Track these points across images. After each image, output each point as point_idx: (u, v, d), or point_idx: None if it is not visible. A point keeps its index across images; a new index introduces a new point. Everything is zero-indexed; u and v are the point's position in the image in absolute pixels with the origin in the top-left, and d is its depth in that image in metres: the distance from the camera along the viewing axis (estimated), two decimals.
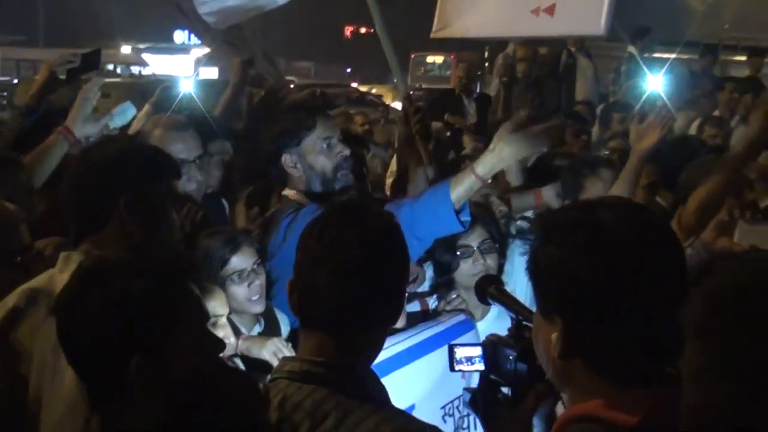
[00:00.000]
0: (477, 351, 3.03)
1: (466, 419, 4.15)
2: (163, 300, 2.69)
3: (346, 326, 2.88)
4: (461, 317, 4.34)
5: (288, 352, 3.96)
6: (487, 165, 4.58)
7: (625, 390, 2.51)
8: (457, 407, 4.08)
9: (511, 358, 2.95)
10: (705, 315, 2.24)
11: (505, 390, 2.99)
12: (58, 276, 3.33)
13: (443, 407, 3.98)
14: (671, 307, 2.44)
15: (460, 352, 3.09)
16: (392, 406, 2.94)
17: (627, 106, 11.07)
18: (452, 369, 3.16)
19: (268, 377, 3.02)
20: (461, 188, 4.55)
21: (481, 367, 3.02)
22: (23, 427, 3.23)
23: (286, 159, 5.09)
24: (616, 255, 2.44)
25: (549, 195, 6.09)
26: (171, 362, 2.61)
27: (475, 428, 4.14)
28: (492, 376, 3.03)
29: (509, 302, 3.37)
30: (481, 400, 3.05)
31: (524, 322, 3.08)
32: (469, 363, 3.08)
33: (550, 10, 6.11)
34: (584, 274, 2.45)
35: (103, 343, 2.64)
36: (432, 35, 6.79)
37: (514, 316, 3.13)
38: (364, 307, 2.87)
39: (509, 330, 3.09)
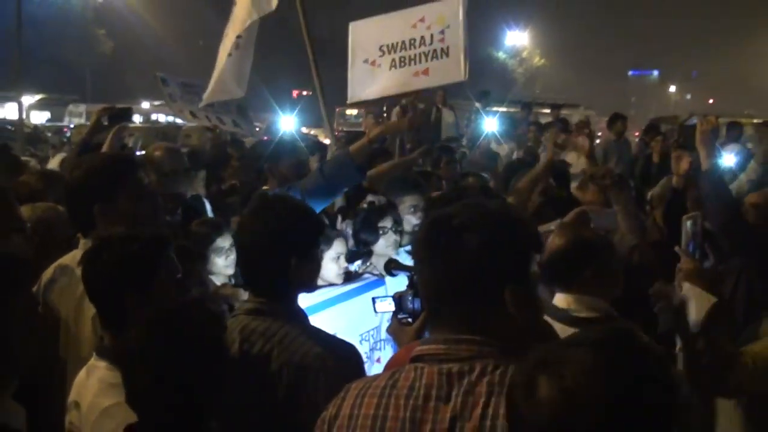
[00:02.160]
0: (390, 301, 3.12)
1: (378, 343, 4.13)
2: (147, 257, 2.82)
3: (278, 284, 2.92)
4: (375, 277, 4.38)
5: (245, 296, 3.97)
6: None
7: None
8: (372, 335, 4.10)
9: (410, 299, 3.05)
10: None
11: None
12: (78, 254, 3.30)
13: (361, 335, 3.99)
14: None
15: (379, 302, 3.21)
16: (321, 331, 2.97)
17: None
18: (375, 312, 3.30)
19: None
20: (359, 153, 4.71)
21: (393, 308, 3.10)
22: (58, 356, 3.28)
23: None
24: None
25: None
26: (153, 299, 2.73)
27: (384, 349, 4.12)
28: (399, 315, 3.09)
29: (406, 269, 3.56)
30: (392, 326, 3.12)
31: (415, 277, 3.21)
32: (383, 304, 3.19)
33: (426, 72, 6.27)
34: None
35: (110, 284, 2.80)
36: (348, 102, 6.83)
37: (409, 275, 3.23)
38: (285, 270, 2.87)
39: (408, 285, 3.15)
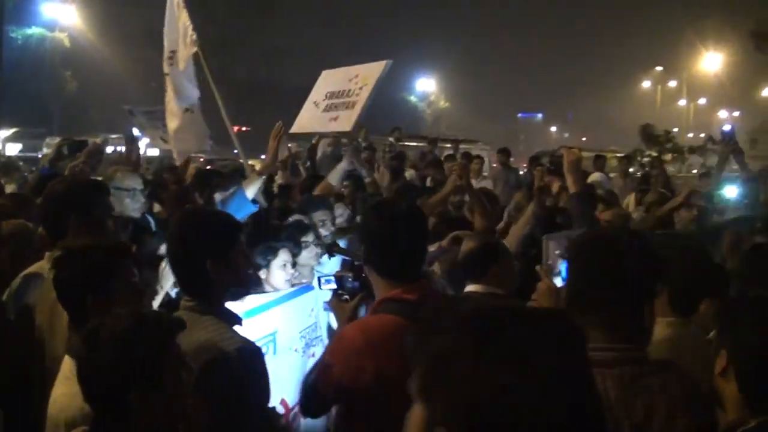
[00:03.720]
0: (332, 280, 3.20)
1: (313, 340, 3.97)
2: (106, 265, 2.72)
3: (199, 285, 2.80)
4: (304, 284, 4.36)
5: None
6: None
7: (404, 284, 2.75)
8: (308, 332, 4.05)
9: (350, 279, 3.13)
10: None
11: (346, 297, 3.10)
12: (45, 264, 3.30)
13: (300, 331, 3.94)
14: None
15: (324, 281, 3.29)
16: (226, 327, 2.75)
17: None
18: (320, 288, 3.39)
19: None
20: (252, 188, 4.99)
21: (334, 286, 3.17)
22: (36, 354, 3.19)
23: None
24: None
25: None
26: (112, 302, 2.60)
27: (318, 345, 3.98)
28: (339, 291, 3.14)
29: (345, 252, 3.93)
30: (332, 301, 3.16)
31: (355, 262, 3.29)
32: (327, 284, 3.25)
33: (336, 119, 6.47)
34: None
35: (73, 289, 2.71)
36: (290, 131, 6.91)
37: (349, 258, 3.40)
38: (202, 271, 2.75)
39: (348, 267, 3.29)
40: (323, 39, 60.22)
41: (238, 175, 6.80)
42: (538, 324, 1.23)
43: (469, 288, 3.71)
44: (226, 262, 2.81)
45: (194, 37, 6.95)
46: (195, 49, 6.96)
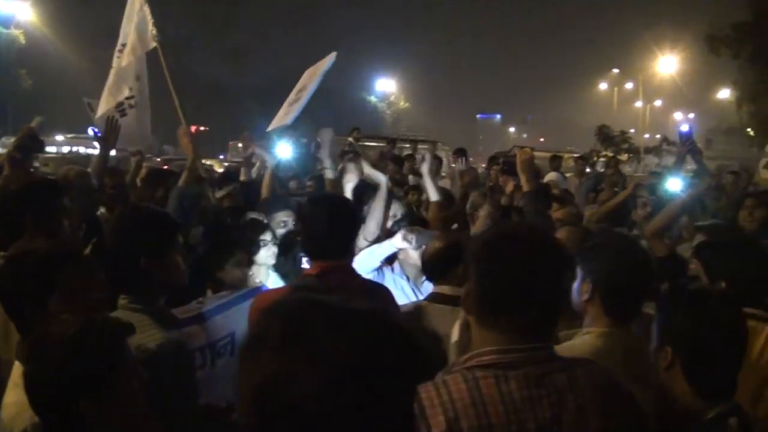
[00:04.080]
0: None
1: None
2: (43, 272, 2.53)
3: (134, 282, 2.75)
4: (258, 284, 4.33)
5: None
6: None
7: (324, 263, 2.99)
8: None
9: None
10: None
11: None
12: None
13: None
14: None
15: None
16: (152, 323, 2.69)
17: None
18: None
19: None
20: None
21: None
22: None
23: None
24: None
25: None
26: (55, 308, 2.47)
27: None
28: None
29: None
30: None
31: None
32: None
33: (287, 114, 6.41)
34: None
35: (10, 296, 2.58)
36: (268, 129, 6.82)
37: None
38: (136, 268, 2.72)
39: None
40: (282, 39, 60.06)
41: None
42: (342, 318, 1.20)
43: (435, 289, 3.56)
44: (160, 260, 2.78)
45: (154, 32, 6.86)
46: (155, 44, 6.88)
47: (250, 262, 4.50)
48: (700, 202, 6.04)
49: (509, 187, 5.65)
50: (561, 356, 1.89)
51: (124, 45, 7.17)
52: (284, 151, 6.50)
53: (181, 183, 4.93)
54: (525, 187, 4.61)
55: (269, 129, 6.89)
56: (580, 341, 2.56)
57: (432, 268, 3.61)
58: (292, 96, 6.79)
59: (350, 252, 3.20)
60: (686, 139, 5.80)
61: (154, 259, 2.76)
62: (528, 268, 1.82)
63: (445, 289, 3.48)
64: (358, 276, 3.24)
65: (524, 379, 1.77)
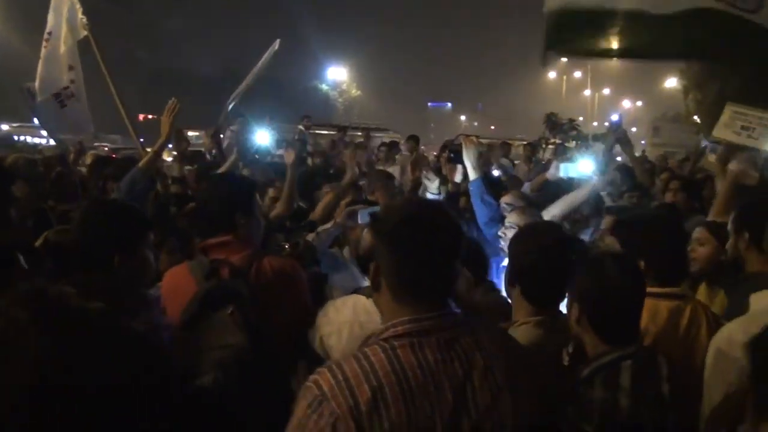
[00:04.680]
0: None
1: None
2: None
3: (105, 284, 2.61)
4: None
5: None
6: None
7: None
8: None
9: None
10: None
11: None
12: None
13: None
14: None
15: None
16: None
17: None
18: None
19: None
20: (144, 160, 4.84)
21: None
22: None
23: None
24: None
25: None
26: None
27: None
28: None
29: None
30: None
31: None
32: None
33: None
34: None
35: None
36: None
37: None
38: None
39: None
40: (231, 26, 59.37)
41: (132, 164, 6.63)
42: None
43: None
44: (133, 257, 2.78)
45: (84, 20, 6.72)
46: (85, 33, 6.74)
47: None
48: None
49: (454, 175, 5.74)
50: (465, 320, 2.04)
51: (50, 33, 7.02)
52: (263, 138, 6.53)
53: (142, 164, 4.86)
54: (471, 175, 4.70)
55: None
56: (520, 331, 2.63)
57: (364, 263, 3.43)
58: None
59: (233, 226, 3.10)
60: (616, 128, 5.94)
61: (128, 255, 2.74)
62: (434, 244, 1.95)
63: None
64: (246, 249, 3.12)
65: (436, 344, 1.91)
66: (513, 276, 2.77)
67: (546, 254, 2.70)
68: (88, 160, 8.08)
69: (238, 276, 2.84)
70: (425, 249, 1.94)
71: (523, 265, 2.74)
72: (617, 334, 2.41)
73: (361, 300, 3.05)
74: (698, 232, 4.04)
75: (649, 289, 2.55)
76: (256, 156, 7.01)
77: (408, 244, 1.94)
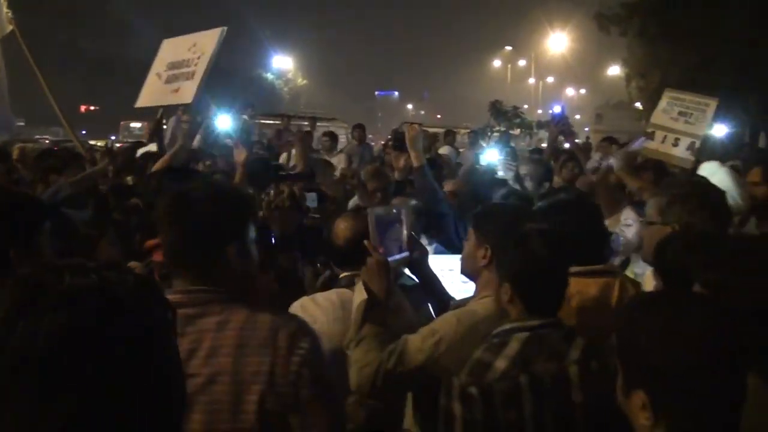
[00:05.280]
0: None
1: None
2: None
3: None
4: None
5: None
6: None
7: None
8: None
9: None
10: None
11: None
12: None
13: None
14: None
15: None
16: None
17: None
18: None
19: None
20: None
21: None
22: None
23: None
24: None
25: None
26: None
27: None
28: None
29: None
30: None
31: None
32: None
33: (177, 91, 6.21)
34: None
35: None
36: (135, 105, 6.73)
37: None
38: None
39: None
40: (174, 13, 58.30)
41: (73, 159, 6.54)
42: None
43: (344, 273, 3.22)
44: (29, 250, 2.61)
45: (10, 14, 6.63)
46: (11, 27, 6.66)
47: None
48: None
49: (400, 162, 5.77)
50: (230, 301, 2.12)
51: None
52: (224, 122, 6.48)
53: (71, 180, 4.84)
54: (415, 163, 4.71)
55: (139, 105, 6.77)
56: (481, 304, 2.71)
57: (342, 255, 3.24)
58: (161, 68, 6.62)
59: None
60: (558, 120, 6.01)
61: (23, 249, 2.57)
62: (209, 221, 2.11)
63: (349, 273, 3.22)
64: None
65: (182, 317, 1.95)
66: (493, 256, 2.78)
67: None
68: (15, 153, 7.98)
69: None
70: (197, 227, 2.13)
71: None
72: (540, 306, 2.47)
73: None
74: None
75: (576, 269, 2.67)
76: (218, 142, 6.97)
77: (180, 222, 2.14)
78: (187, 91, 6.14)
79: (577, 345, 2.38)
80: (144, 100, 6.65)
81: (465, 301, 2.94)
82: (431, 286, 3.28)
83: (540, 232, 2.54)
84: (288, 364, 2.03)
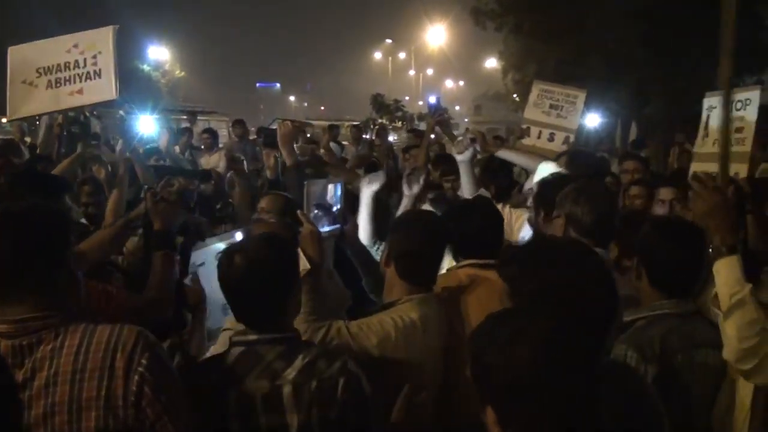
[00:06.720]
0: None
1: None
2: None
3: None
4: None
5: None
6: None
7: None
8: None
9: None
10: None
11: None
12: None
13: None
14: None
15: None
16: None
17: None
18: None
19: None
20: None
21: None
22: None
23: None
24: None
25: None
26: None
27: None
28: None
29: None
30: None
31: None
32: None
33: (81, 92, 6.29)
34: None
35: None
36: (8, 119, 6.60)
37: None
38: None
39: None
40: (42, 7, 55.52)
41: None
42: None
43: None
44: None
45: None
46: None
47: None
48: None
49: (271, 160, 5.70)
50: (66, 323, 2.06)
51: None
52: (148, 126, 6.40)
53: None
54: (287, 161, 4.66)
55: (23, 115, 6.66)
56: (404, 308, 2.84)
57: None
58: (29, 76, 6.50)
59: None
60: (435, 110, 6.03)
61: None
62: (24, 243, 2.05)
63: None
64: None
65: (17, 348, 2.00)
66: (389, 258, 2.95)
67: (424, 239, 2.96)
68: None
69: None
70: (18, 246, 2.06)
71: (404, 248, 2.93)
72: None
73: None
74: None
75: (470, 261, 3.19)
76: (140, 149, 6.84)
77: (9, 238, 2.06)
78: (98, 90, 6.22)
79: (295, 364, 2.33)
80: (23, 110, 6.55)
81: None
82: (362, 256, 3.44)
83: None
84: (127, 385, 2.01)
